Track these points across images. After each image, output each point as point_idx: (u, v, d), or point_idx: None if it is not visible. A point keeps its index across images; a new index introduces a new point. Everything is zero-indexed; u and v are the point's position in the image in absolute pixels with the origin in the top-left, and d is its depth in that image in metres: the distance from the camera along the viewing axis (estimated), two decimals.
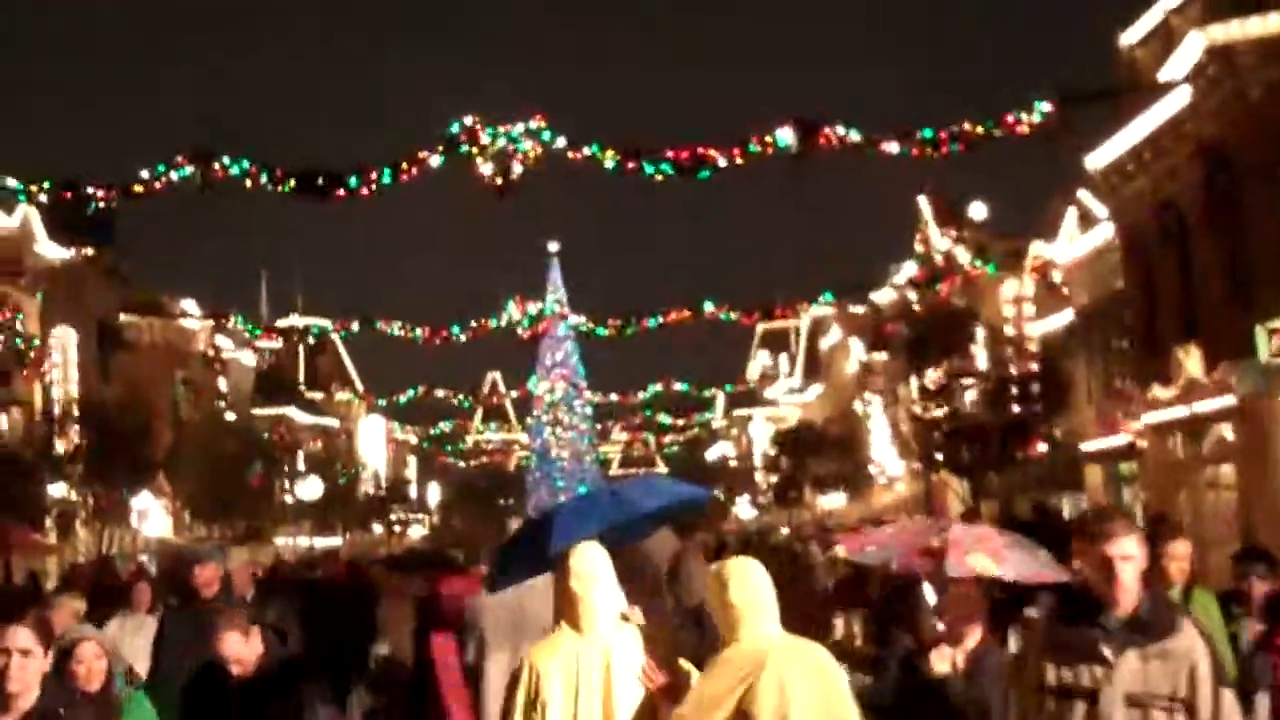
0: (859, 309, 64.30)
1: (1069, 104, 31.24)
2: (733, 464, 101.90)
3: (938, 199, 53.28)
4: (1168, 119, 32.14)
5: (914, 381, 49.64)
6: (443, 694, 9.98)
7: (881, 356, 62.91)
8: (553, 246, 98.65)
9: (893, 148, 31.38)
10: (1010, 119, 30.86)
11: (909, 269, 54.66)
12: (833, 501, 64.20)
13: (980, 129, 31.09)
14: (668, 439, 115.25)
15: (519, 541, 8.98)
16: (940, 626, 8.04)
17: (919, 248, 54.07)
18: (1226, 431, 32.32)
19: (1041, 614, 7.25)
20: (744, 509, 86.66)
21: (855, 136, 31.26)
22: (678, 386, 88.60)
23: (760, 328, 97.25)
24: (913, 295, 54.07)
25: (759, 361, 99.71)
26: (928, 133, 31.27)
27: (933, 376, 42.51)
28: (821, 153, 31.63)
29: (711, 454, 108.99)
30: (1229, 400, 30.69)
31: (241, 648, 7.94)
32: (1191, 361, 32.14)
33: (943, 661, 7.66)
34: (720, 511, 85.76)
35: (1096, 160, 36.03)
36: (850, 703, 6.49)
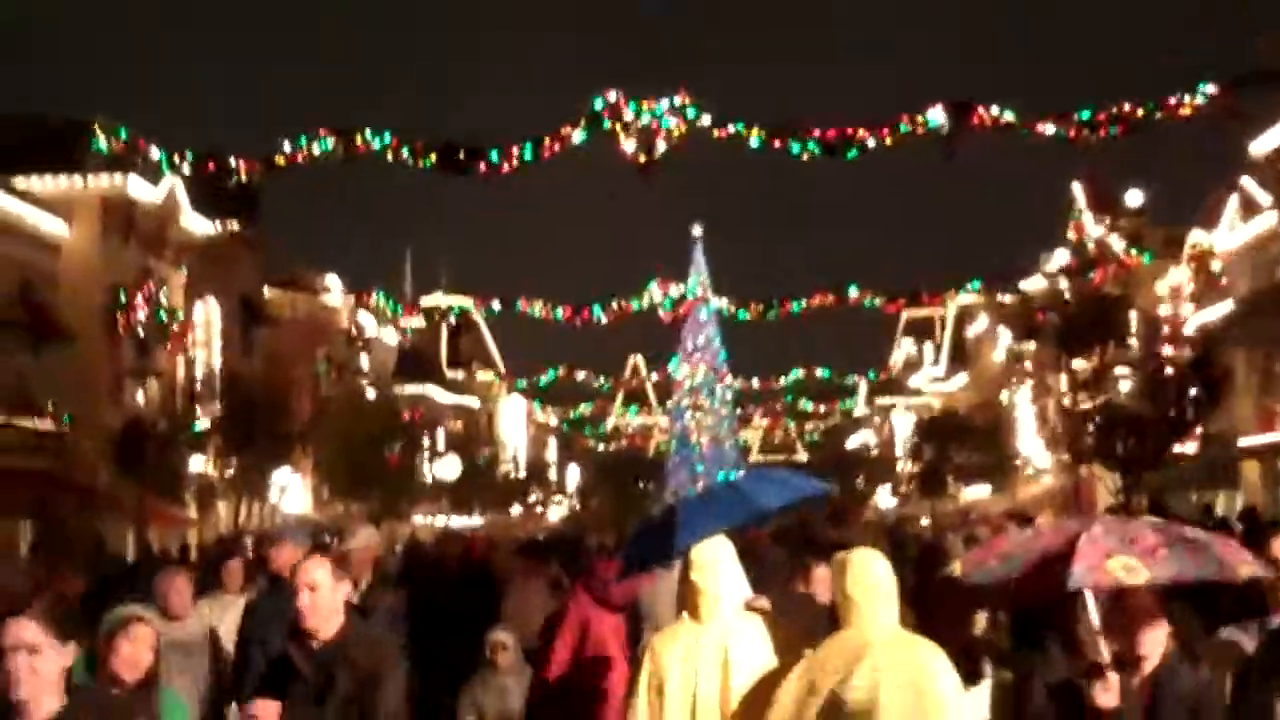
0: (1007, 298, 62.84)
1: (1235, 86, 30.14)
2: (873, 452, 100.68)
3: (1093, 185, 51.76)
4: None
5: (1064, 371, 48.39)
6: (600, 683, 9.36)
7: (1030, 346, 61.51)
8: (696, 230, 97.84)
9: (1048, 129, 30.46)
10: (1173, 101, 29.83)
11: (1060, 257, 53.22)
12: (977, 493, 62.89)
13: (1141, 111, 30.08)
14: (808, 426, 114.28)
15: (646, 534, 8.97)
16: (1104, 647, 6.41)
17: (1072, 235, 52.58)
18: None
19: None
20: (884, 498, 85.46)
21: (1009, 117, 30.38)
22: (819, 373, 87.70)
23: (904, 315, 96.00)
24: (1064, 284, 52.67)
25: (903, 349, 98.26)
26: (1085, 114, 30.26)
27: (1084, 366, 41.32)
28: (974, 134, 30.87)
29: (852, 442, 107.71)
30: None
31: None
32: None
33: (1108, 694, 6.31)
34: (860, 500, 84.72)
35: (1262, 145, 34.77)
36: (947, 706, 6.24)
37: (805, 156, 30.88)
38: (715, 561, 6.92)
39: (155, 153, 31.47)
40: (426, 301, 67.60)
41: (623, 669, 8.98)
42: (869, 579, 6.44)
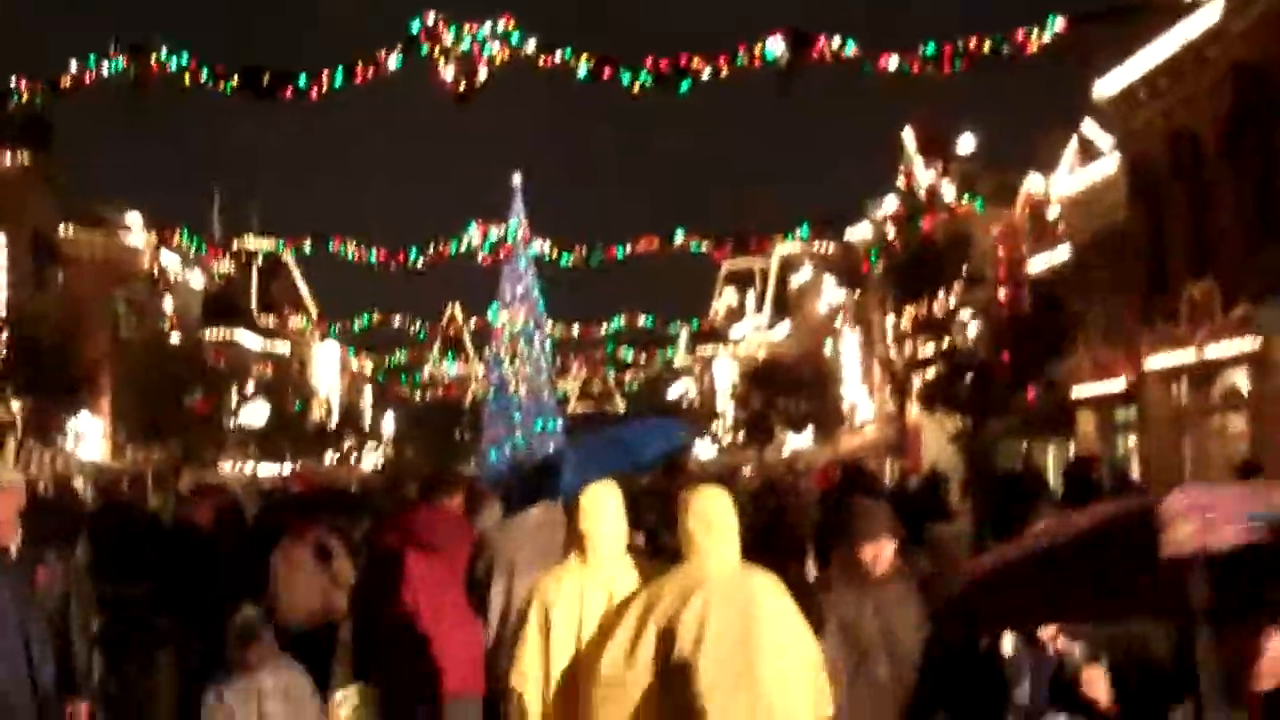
0: (830, 246, 61.83)
1: (1083, 22, 28.90)
2: (694, 402, 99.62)
3: (923, 130, 50.61)
4: (1188, 42, 29.79)
5: (893, 318, 47.32)
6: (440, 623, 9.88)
7: (855, 294, 60.62)
8: (516, 179, 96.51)
9: (892, 63, 28.94)
10: (1020, 37, 28.50)
11: (889, 204, 52.10)
12: (800, 441, 61.83)
13: (988, 45, 28.73)
14: (628, 376, 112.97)
15: (531, 478, 9.95)
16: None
17: (901, 182, 51.45)
18: (1239, 378, 30.11)
19: None
20: (704, 449, 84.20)
21: (851, 50, 28.82)
22: (641, 321, 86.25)
23: (725, 266, 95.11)
24: (891, 231, 51.66)
25: (724, 299, 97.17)
26: (930, 48, 28.85)
27: (916, 311, 40.13)
28: (813, 66, 29.29)
29: (672, 392, 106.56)
30: (1246, 343, 28.48)
31: None
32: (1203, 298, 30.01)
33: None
34: (682, 451, 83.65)
35: (1105, 88, 33.66)
36: (777, 634, 6.49)
37: (636, 89, 29.01)
38: (603, 507, 7.14)
39: None
40: (236, 243, 64.64)
41: (460, 604, 9.74)
42: (707, 515, 6.67)
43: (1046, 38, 28.20)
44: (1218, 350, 29.88)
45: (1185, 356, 31.22)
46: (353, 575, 12.23)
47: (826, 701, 6.64)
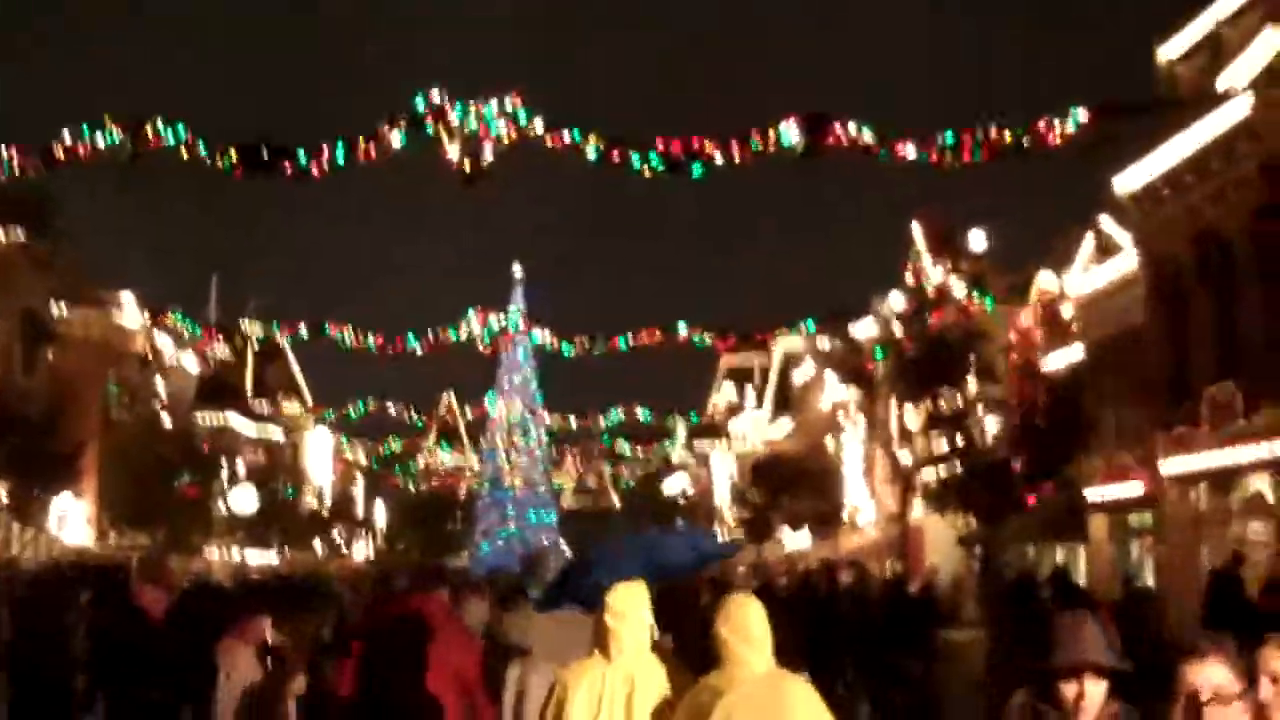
0: (835, 343, 60.99)
1: (1108, 114, 28.18)
2: (688, 498, 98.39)
3: (933, 226, 49.83)
4: (1216, 137, 28.93)
5: (906, 413, 46.34)
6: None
7: (856, 393, 59.72)
8: (517, 271, 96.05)
9: (909, 151, 28.22)
10: (1042, 126, 27.78)
11: (896, 300, 51.24)
12: (797, 541, 60.68)
13: (1009, 136, 28.00)
14: (624, 470, 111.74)
15: (566, 576, 9.85)
16: None
17: (910, 278, 50.60)
18: (1262, 484, 29.11)
19: None
20: None
21: (869, 136, 28.07)
22: (639, 413, 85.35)
23: (724, 362, 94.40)
24: (898, 328, 50.81)
25: (724, 395, 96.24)
26: (950, 137, 28.14)
27: (921, 409, 39.15)
28: (829, 151, 28.52)
29: (669, 487, 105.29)
30: (1271, 448, 27.49)
31: None
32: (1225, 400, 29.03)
33: None
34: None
35: (1125, 183, 32.84)
36: None
37: (646, 172, 28.22)
38: (630, 605, 7.29)
39: None
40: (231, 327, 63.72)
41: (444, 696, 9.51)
42: (742, 623, 6.75)
43: (1070, 128, 27.57)
44: (1239, 455, 28.90)
45: (1205, 461, 30.23)
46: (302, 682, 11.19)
47: None
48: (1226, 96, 27.40)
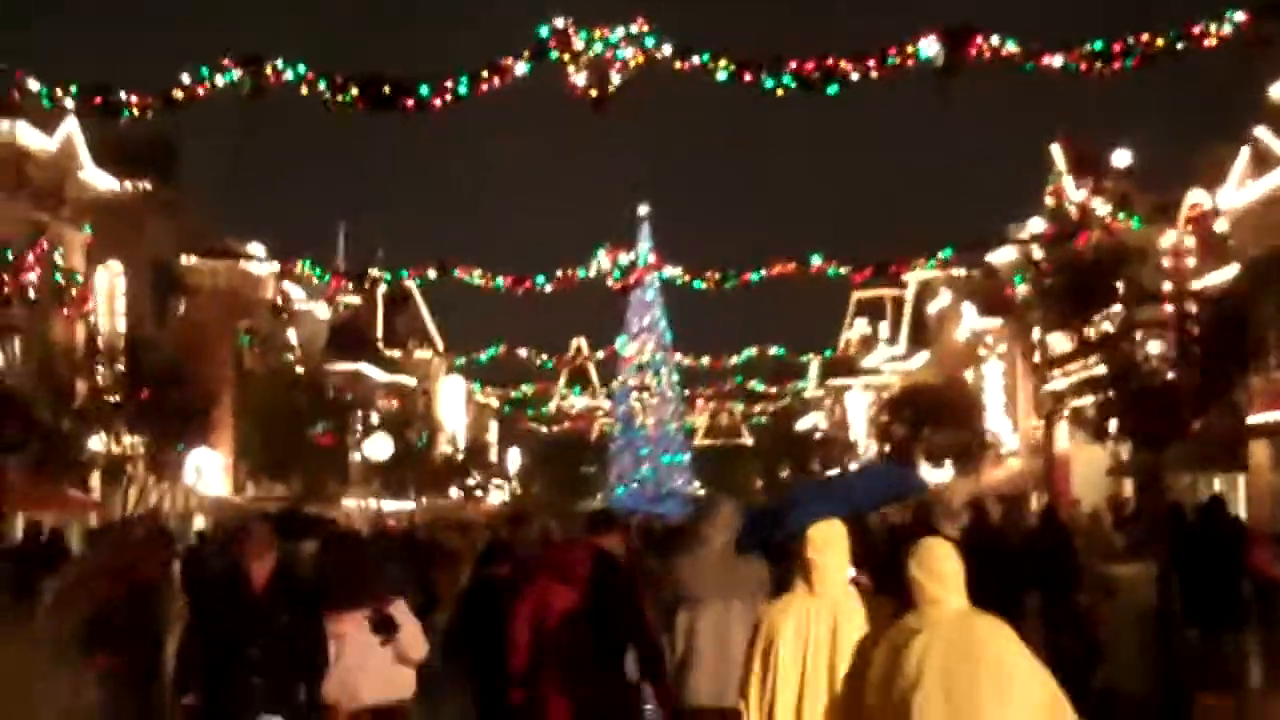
0: (971, 272, 59.35)
1: (1266, 14, 26.52)
2: (822, 434, 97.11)
3: (1074, 147, 48.05)
4: None
5: (1050, 340, 44.78)
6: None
7: (996, 323, 58.12)
8: (643, 210, 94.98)
9: (1056, 61, 26.71)
10: (1196, 30, 26.19)
11: (1036, 225, 49.58)
12: (939, 474, 59.27)
13: (1160, 40, 26.43)
14: (757, 408, 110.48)
15: (765, 514, 9.77)
16: None
17: (1050, 201, 48.91)
18: None
19: None
20: None
21: (1011, 47, 26.61)
22: (773, 351, 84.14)
23: (855, 296, 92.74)
24: (1039, 253, 49.11)
25: (856, 330, 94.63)
26: (1098, 44, 26.61)
27: (1074, 335, 37.45)
28: (970, 66, 27.09)
29: (802, 424, 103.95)
30: None
31: None
32: None
33: None
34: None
35: None
36: (1004, 679, 6.54)
37: (779, 92, 26.94)
38: (830, 540, 7.55)
39: (34, 84, 27.18)
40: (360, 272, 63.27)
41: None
42: (932, 564, 6.85)
43: (1225, 30, 25.99)
44: None
45: None
46: (422, 643, 10.78)
47: None
48: None
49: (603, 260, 48.71)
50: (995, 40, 26.41)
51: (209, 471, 49.30)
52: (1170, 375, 25.29)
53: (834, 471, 74.47)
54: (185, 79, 26.80)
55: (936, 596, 6.77)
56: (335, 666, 10.10)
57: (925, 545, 7.06)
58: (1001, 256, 52.83)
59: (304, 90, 27.13)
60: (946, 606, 6.77)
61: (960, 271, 61.01)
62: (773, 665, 7.28)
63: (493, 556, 12.94)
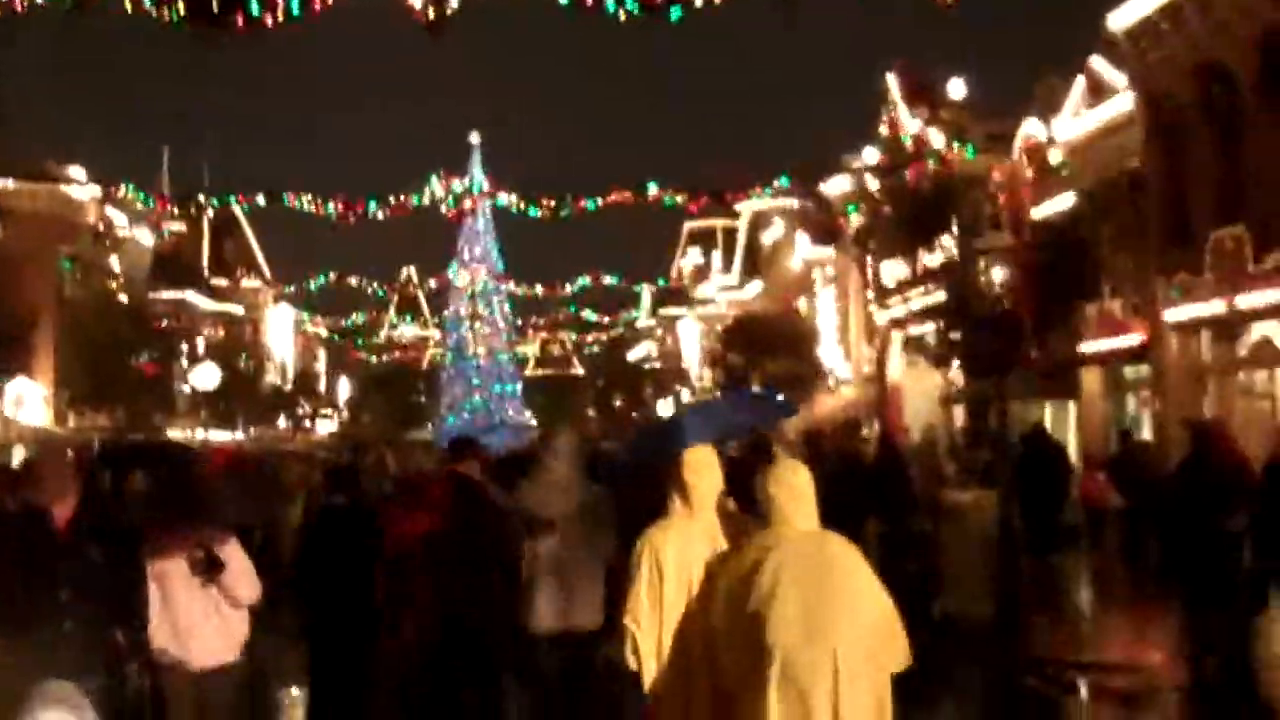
0: (805, 202, 59.40)
1: None
2: (656, 364, 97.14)
3: (909, 77, 47.98)
4: None
5: (884, 269, 44.89)
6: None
7: (829, 252, 58.21)
8: (474, 138, 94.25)
9: None
10: None
11: (870, 155, 49.51)
12: None
13: None
14: (589, 337, 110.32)
15: (649, 437, 10.72)
16: None
17: (884, 131, 48.85)
18: (1272, 330, 27.80)
19: None
20: (664, 410, 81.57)
21: None
22: (606, 280, 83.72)
23: (687, 226, 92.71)
24: (873, 183, 49.11)
25: (689, 260, 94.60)
26: None
27: (908, 264, 37.53)
28: None
29: (634, 354, 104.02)
30: None
31: None
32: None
33: None
34: (648, 412, 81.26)
35: (1122, 18, 31.22)
36: (852, 592, 6.83)
37: (623, 17, 26.34)
38: (706, 465, 7.81)
39: None
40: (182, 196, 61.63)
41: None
42: (789, 483, 7.11)
43: None
44: (1247, 301, 27.56)
45: (1210, 309, 28.89)
46: (253, 582, 9.46)
47: (903, 655, 6.93)
48: None
49: (436, 188, 47.90)
50: None
51: (29, 401, 47.81)
52: (1010, 303, 25.31)
53: (683, 399, 74.69)
54: None
55: (790, 515, 6.98)
56: (163, 613, 9.04)
57: (786, 464, 7.46)
58: (835, 187, 52.78)
59: (128, 6, 26.05)
60: (798, 525, 6.99)
61: (794, 202, 61.05)
62: (658, 586, 7.43)
63: (336, 486, 12.48)
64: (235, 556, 9.26)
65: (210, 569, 9.07)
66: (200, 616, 9.18)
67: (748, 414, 10.18)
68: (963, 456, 31.75)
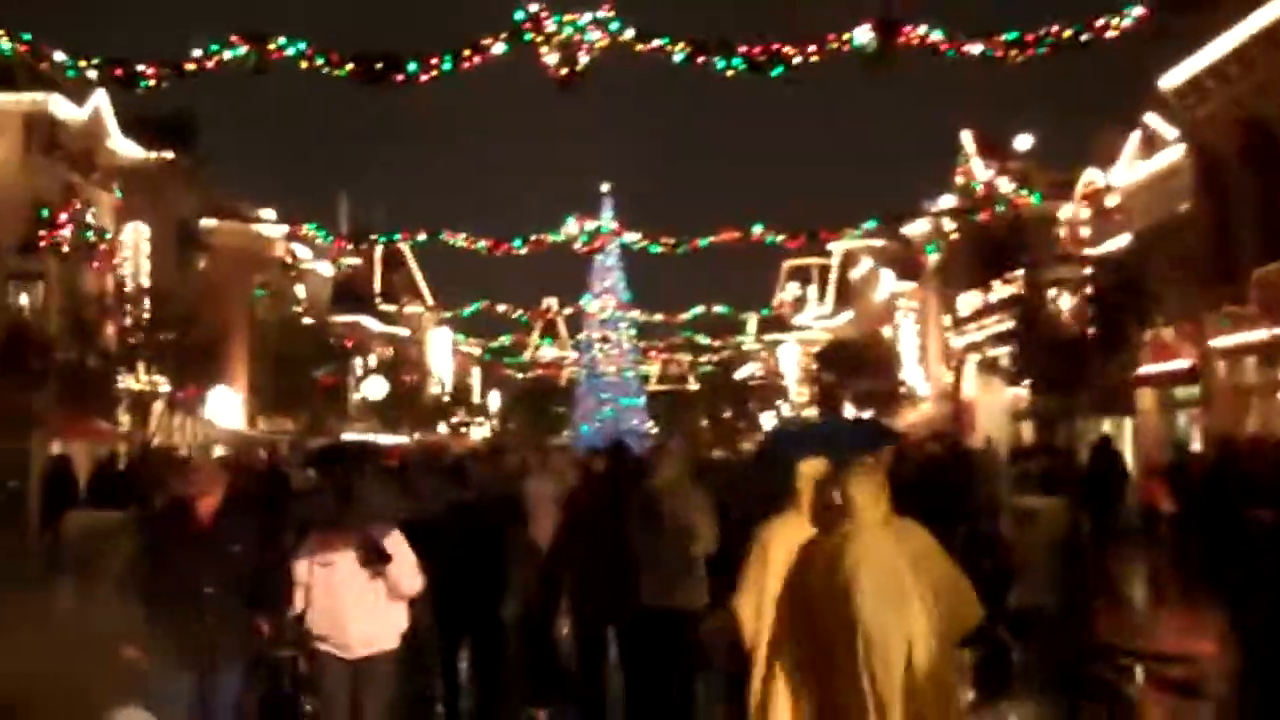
0: (889, 242, 58.35)
1: (1162, 8, 25.34)
2: (759, 382, 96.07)
3: (981, 132, 46.91)
4: (1262, 27, 26.06)
5: (960, 300, 43.75)
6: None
7: (910, 286, 57.09)
8: (605, 187, 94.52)
9: (975, 49, 25.46)
10: (1099, 23, 24.99)
11: (946, 201, 48.41)
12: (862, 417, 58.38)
13: (1068, 32, 25.23)
14: (702, 358, 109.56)
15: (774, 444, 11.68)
16: None
17: (960, 181, 47.70)
18: None
19: None
20: (767, 421, 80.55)
21: (937, 36, 25.37)
22: (717, 309, 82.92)
23: (786, 265, 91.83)
24: (949, 225, 48.05)
25: (788, 293, 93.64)
26: (1013, 34, 25.38)
27: (981, 295, 36.44)
28: (900, 52, 25.84)
29: (741, 373, 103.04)
30: None
31: None
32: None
33: None
34: (753, 422, 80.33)
35: (1173, 78, 30.00)
36: (920, 565, 6.84)
37: (730, 73, 25.65)
38: (815, 475, 7.62)
39: (60, 55, 25.60)
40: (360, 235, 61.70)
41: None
42: (864, 483, 7.06)
43: (1126, 23, 24.81)
44: None
45: (1254, 336, 27.58)
46: (415, 576, 8.71)
47: (972, 612, 7.07)
48: None
49: (571, 227, 47.36)
50: (923, 30, 25.23)
51: (226, 407, 47.87)
52: (1076, 330, 24.25)
53: (783, 412, 73.76)
54: (196, 53, 25.32)
55: (865, 509, 6.98)
56: (325, 601, 8.36)
57: (862, 467, 7.37)
58: (916, 229, 51.75)
59: (303, 65, 25.71)
60: (873, 517, 7.00)
61: (879, 242, 59.96)
62: (763, 574, 7.46)
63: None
64: (400, 550, 8.52)
65: (378, 561, 8.37)
66: (361, 606, 8.39)
67: (856, 438, 10.25)
68: (1021, 465, 30.69)
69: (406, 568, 8.52)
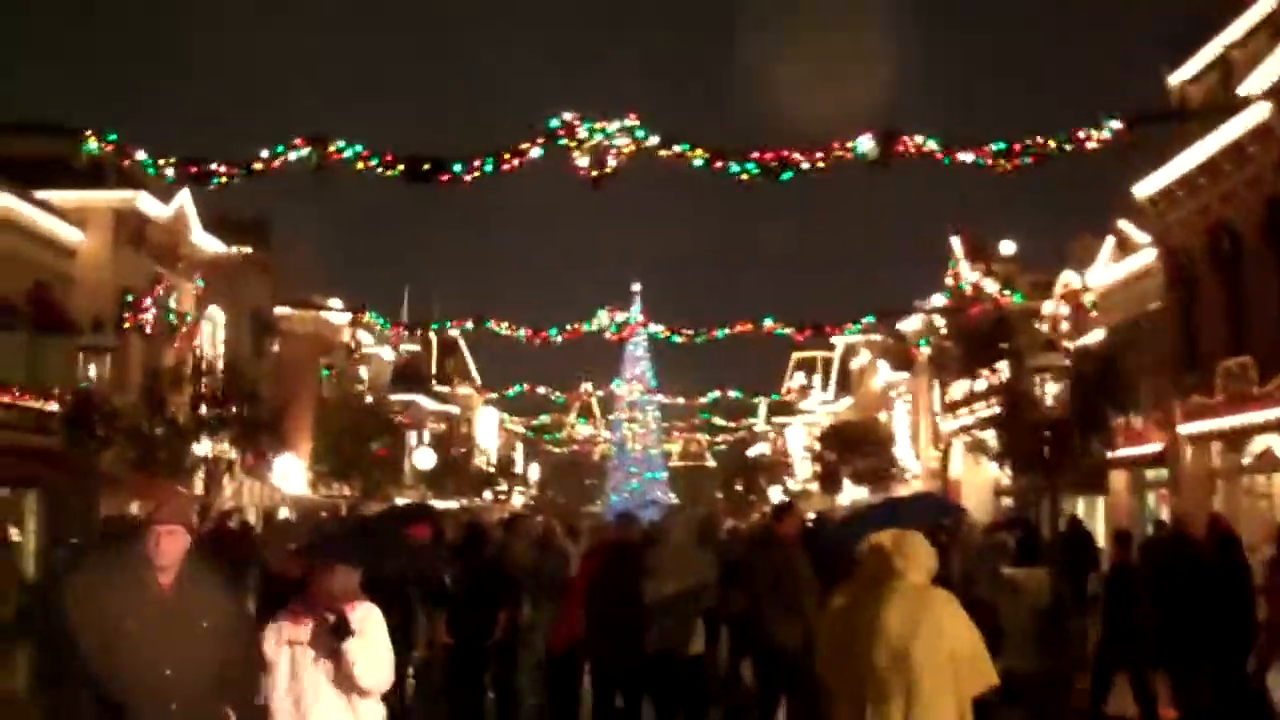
0: (883, 337, 57.21)
1: (1138, 123, 24.32)
2: (768, 459, 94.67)
3: (968, 237, 45.89)
4: (1232, 140, 24.99)
5: (950, 389, 42.52)
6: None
7: (904, 376, 55.92)
8: (635, 286, 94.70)
9: (967, 158, 24.43)
10: (1080, 135, 23.98)
11: (937, 300, 47.32)
12: (860, 492, 56.86)
13: (1052, 142, 24.23)
14: (718, 437, 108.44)
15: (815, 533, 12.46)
16: None
17: (950, 281, 46.64)
18: (1274, 441, 25.09)
19: None
20: (774, 495, 79.07)
21: (932, 145, 24.40)
22: (732, 394, 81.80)
23: (793, 356, 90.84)
24: (940, 322, 46.91)
25: (795, 381, 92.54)
26: (1000, 144, 24.40)
27: (968, 384, 35.29)
28: (898, 159, 24.89)
29: (752, 451, 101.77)
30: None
31: None
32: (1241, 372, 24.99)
33: None
34: (761, 497, 78.87)
35: (1146, 188, 28.92)
36: (946, 633, 6.60)
37: (744, 177, 24.71)
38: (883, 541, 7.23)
39: (141, 154, 24.90)
40: (415, 323, 60.86)
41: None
42: (906, 546, 6.89)
43: (1105, 135, 23.80)
44: (1252, 418, 24.93)
45: (1220, 424, 26.26)
46: (378, 669, 6.58)
47: (984, 680, 6.76)
48: (1248, 103, 23.42)
49: (603, 318, 46.40)
50: (919, 139, 24.28)
51: (291, 474, 46.83)
52: (1058, 412, 23.16)
53: (790, 486, 72.19)
54: (264, 154, 24.60)
55: (904, 571, 6.82)
56: (290, 687, 6.40)
57: (906, 534, 7.16)
58: (909, 325, 50.68)
59: (360, 166, 24.92)
60: (910, 579, 6.84)
61: (877, 336, 58.85)
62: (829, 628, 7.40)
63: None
64: (371, 629, 6.43)
65: (337, 634, 6.29)
66: (324, 695, 6.37)
67: (916, 513, 10.15)
68: (996, 537, 29.37)
69: (369, 651, 6.37)
